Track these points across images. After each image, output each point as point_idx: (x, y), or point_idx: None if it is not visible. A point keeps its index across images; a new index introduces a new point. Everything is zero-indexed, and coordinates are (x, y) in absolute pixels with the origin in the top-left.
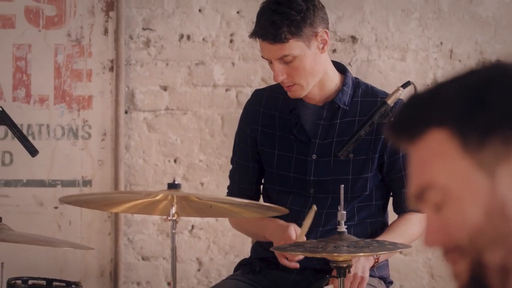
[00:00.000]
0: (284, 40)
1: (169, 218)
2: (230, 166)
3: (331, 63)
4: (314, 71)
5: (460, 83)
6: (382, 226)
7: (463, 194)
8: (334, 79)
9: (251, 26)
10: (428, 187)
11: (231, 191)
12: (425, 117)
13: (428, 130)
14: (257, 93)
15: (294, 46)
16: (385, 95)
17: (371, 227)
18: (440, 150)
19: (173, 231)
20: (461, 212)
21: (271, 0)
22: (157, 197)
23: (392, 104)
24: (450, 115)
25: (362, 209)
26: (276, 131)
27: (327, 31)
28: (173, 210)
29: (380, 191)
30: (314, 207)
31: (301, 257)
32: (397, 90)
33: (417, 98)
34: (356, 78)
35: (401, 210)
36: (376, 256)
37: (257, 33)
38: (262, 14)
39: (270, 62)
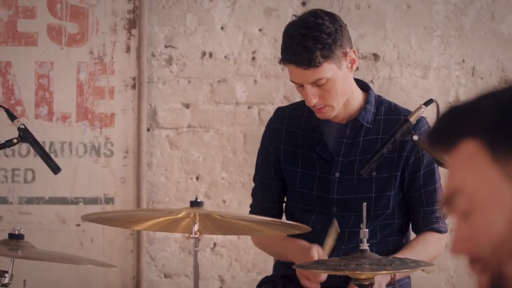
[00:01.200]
0: (318, 65)
1: (191, 235)
2: (252, 184)
3: (354, 81)
4: (345, 91)
5: (495, 97)
6: (404, 245)
7: (489, 203)
8: (357, 97)
9: (273, 44)
10: (456, 192)
11: (254, 209)
12: (460, 128)
13: (462, 140)
14: (280, 111)
15: (327, 69)
16: (408, 113)
17: (393, 245)
18: (470, 158)
19: (196, 248)
20: (486, 221)
21: (298, 24)
22: (180, 215)
23: (414, 122)
24: (482, 127)
25: (385, 227)
26: (299, 149)
27: (354, 50)
28: (196, 227)
29: (402, 209)
30: (335, 222)
31: (323, 278)
32: (419, 108)
33: (454, 110)
34: (379, 96)
35: (419, 229)
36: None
37: (290, 60)
38: (291, 39)
39: (300, 86)
